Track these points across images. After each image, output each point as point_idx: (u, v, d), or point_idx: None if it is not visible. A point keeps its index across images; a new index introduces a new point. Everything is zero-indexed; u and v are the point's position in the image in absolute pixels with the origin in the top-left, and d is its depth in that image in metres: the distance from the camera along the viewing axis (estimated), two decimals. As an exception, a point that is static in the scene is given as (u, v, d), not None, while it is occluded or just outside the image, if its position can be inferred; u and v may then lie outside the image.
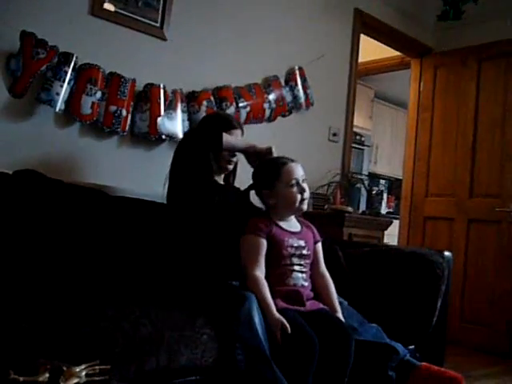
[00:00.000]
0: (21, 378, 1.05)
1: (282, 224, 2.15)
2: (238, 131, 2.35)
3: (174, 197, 2.24)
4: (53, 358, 1.26)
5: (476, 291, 4.07)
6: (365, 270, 2.63)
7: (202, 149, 2.28)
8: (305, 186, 2.14)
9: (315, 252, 2.22)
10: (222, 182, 2.38)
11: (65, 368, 1.11)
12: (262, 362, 1.75)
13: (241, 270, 2.05)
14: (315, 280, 2.16)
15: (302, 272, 2.10)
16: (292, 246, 2.10)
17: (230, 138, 2.24)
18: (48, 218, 2.10)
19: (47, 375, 1.08)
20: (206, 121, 2.43)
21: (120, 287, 2.08)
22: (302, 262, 2.11)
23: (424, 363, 2.09)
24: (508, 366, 3.53)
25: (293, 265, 2.08)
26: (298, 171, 2.15)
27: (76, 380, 1.09)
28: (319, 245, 2.25)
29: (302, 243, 2.14)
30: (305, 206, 2.16)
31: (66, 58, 2.48)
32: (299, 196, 2.12)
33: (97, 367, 1.18)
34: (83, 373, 1.13)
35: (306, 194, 2.14)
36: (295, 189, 2.11)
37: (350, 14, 3.95)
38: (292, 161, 2.18)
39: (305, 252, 2.13)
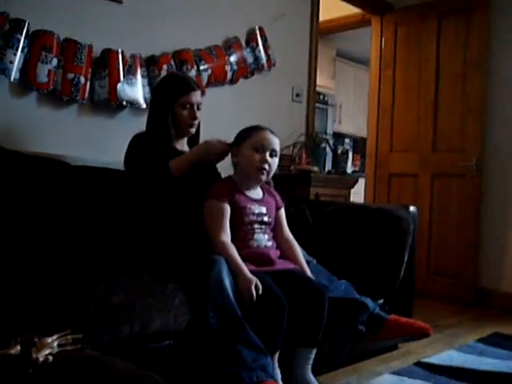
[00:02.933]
0: (-9, 352, 1.04)
1: (245, 190, 2.14)
2: (197, 92, 2.29)
3: (130, 164, 2.21)
4: (23, 330, 1.25)
5: (441, 244, 4.17)
6: (332, 227, 2.66)
7: (159, 116, 2.24)
8: (271, 159, 2.11)
9: (278, 218, 2.23)
10: (184, 147, 2.34)
11: (36, 339, 1.09)
12: (234, 323, 1.77)
13: (205, 235, 2.04)
14: (280, 245, 2.18)
15: (263, 233, 2.12)
16: (253, 213, 2.11)
17: (178, 164, 2.13)
18: (8, 190, 2.05)
19: (18, 348, 1.06)
20: (162, 85, 2.34)
21: (88, 257, 2.06)
22: (263, 227, 2.13)
23: (393, 315, 2.15)
24: (473, 314, 3.65)
25: (254, 229, 2.09)
26: (270, 142, 2.12)
27: (48, 351, 1.07)
28: (282, 211, 2.26)
29: (263, 210, 2.15)
30: (263, 177, 2.13)
31: (18, 24, 2.39)
32: (259, 163, 2.10)
33: (69, 337, 1.17)
34: (55, 343, 1.12)
35: (268, 167, 2.11)
36: (258, 155, 2.09)
37: (309, -29, 3.89)
38: (272, 132, 2.15)
39: (266, 219, 2.14)
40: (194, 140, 2.37)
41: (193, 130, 2.31)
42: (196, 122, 2.29)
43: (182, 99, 2.23)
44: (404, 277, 2.53)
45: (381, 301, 2.44)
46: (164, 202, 2.15)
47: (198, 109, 2.28)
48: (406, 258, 2.51)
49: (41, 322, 1.43)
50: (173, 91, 2.25)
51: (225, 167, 2.28)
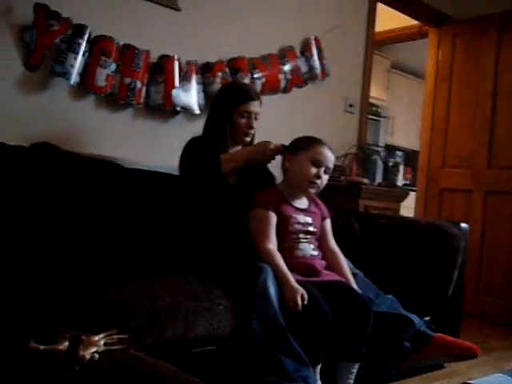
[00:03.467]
0: (41, 347, 1.07)
1: (290, 199, 2.14)
2: (256, 102, 2.30)
3: (185, 167, 2.24)
4: (72, 327, 1.29)
5: (492, 264, 4.04)
6: (381, 241, 2.63)
7: (217, 122, 2.27)
8: (324, 175, 2.11)
9: (323, 229, 2.21)
10: None
11: (84, 337, 1.13)
12: (278, 332, 1.77)
13: (251, 243, 2.05)
14: (325, 256, 2.16)
15: (309, 243, 2.11)
16: (299, 223, 2.10)
17: (228, 160, 2.17)
18: (65, 191, 2.11)
19: (67, 344, 1.09)
20: (223, 92, 2.38)
21: (137, 259, 2.10)
22: (308, 237, 2.12)
23: (439, 334, 2.10)
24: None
25: (299, 238, 2.09)
26: (327, 158, 2.12)
27: (95, 349, 1.10)
28: (327, 221, 2.25)
29: (308, 220, 2.14)
30: (312, 191, 2.13)
31: (80, 29, 2.47)
32: (312, 177, 2.09)
33: (115, 336, 1.20)
34: (102, 342, 1.15)
35: (319, 181, 2.11)
36: (313, 168, 2.09)
37: (366, -17, 3.87)
38: (330, 149, 2.15)
39: (311, 229, 2.13)
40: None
41: (248, 139, 2.32)
42: (252, 132, 2.31)
43: (240, 107, 2.25)
44: (452, 295, 2.47)
45: (427, 318, 2.39)
46: (215, 207, 2.17)
47: (256, 119, 2.29)
48: (455, 276, 2.45)
49: (89, 319, 1.46)
50: (232, 99, 2.28)
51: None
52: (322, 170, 2.10)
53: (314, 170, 2.09)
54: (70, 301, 1.53)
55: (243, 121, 2.26)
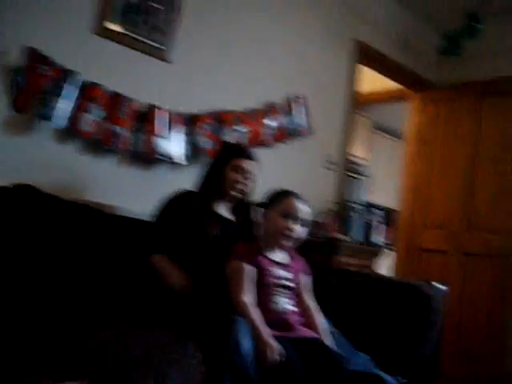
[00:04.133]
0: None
1: (269, 254, 2.15)
2: (252, 162, 2.33)
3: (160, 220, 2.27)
4: (41, 375, 1.25)
5: (471, 326, 4.04)
6: (358, 299, 2.63)
7: (211, 174, 2.31)
8: (298, 227, 2.13)
9: (302, 285, 2.21)
10: (225, 213, 2.35)
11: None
12: (250, 387, 1.73)
13: (228, 296, 2.04)
14: (303, 312, 2.15)
15: (286, 297, 2.10)
16: (274, 276, 2.10)
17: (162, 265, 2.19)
18: (44, 233, 2.09)
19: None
20: (224, 148, 2.49)
21: (112, 308, 2.07)
22: (286, 291, 2.11)
23: (414, 396, 2.08)
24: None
25: (275, 292, 2.08)
26: (300, 210, 2.14)
27: (63, 398, 1.07)
28: (307, 278, 2.25)
29: (286, 275, 2.14)
30: (286, 243, 2.14)
31: (70, 75, 2.50)
32: (284, 230, 2.11)
33: (85, 386, 1.17)
34: (71, 391, 1.12)
35: (294, 234, 2.13)
36: (285, 222, 2.11)
37: (349, 45, 3.99)
38: (302, 200, 2.17)
39: (289, 284, 2.13)
40: (241, 210, 2.37)
41: (234, 194, 2.32)
42: (239, 186, 2.30)
43: (234, 161, 2.29)
44: (429, 356, 2.46)
45: (404, 381, 2.36)
46: (192, 259, 2.16)
47: (249, 178, 2.32)
48: (430, 337, 2.44)
49: (60, 367, 1.43)
50: (228, 154, 2.33)
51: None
52: (295, 222, 2.12)
53: (284, 223, 2.11)
54: (42, 348, 1.50)
55: (234, 175, 2.28)
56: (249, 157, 2.34)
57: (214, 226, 2.24)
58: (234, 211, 2.38)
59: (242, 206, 2.37)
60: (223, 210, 2.34)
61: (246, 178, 2.30)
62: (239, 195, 2.33)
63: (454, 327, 4.02)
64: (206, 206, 2.26)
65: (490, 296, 3.98)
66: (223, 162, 2.31)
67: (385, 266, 4.66)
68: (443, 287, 2.68)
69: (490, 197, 4.13)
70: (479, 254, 4.12)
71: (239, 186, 2.30)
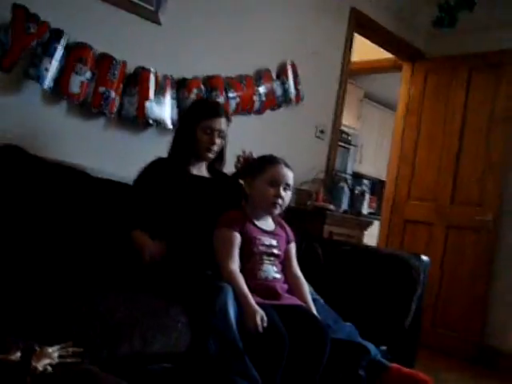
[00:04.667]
0: (-8, 356, 1.04)
1: (256, 221, 2.15)
2: (222, 119, 2.31)
3: (139, 182, 2.27)
4: (26, 336, 1.26)
5: (450, 297, 4.11)
6: (343, 268, 2.65)
7: (182, 137, 2.28)
8: (285, 193, 2.13)
9: (287, 252, 2.22)
10: (202, 173, 2.35)
11: (37, 348, 1.10)
12: (234, 353, 1.76)
13: (214, 261, 2.05)
14: (287, 280, 2.17)
15: (272, 265, 2.11)
16: (263, 245, 2.11)
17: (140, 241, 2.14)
18: (29, 195, 2.08)
19: (19, 354, 1.07)
20: (190, 108, 2.41)
21: (98, 271, 2.07)
22: (272, 259, 2.12)
23: (395, 364, 2.11)
24: (476, 372, 3.58)
25: (263, 260, 2.09)
26: (285, 176, 2.14)
27: (48, 361, 1.08)
28: (292, 245, 2.26)
29: (273, 242, 2.15)
30: (276, 211, 2.15)
31: (58, 34, 2.44)
32: (272, 198, 2.11)
33: (70, 349, 1.18)
34: (56, 354, 1.12)
35: (281, 201, 2.13)
36: (272, 190, 2.11)
37: (345, 13, 3.94)
38: (286, 165, 2.16)
39: (276, 251, 2.14)
40: (213, 165, 2.39)
41: (210, 155, 2.32)
42: (214, 148, 2.30)
43: (203, 123, 2.27)
44: (410, 326, 2.50)
45: (384, 348, 2.40)
46: (179, 222, 2.16)
47: (220, 136, 2.30)
48: (413, 307, 2.48)
49: (43, 329, 1.43)
50: (197, 114, 2.29)
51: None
52: (281, 188, 2.12)
53: (272, 191, 2.11)
54: (25, 309, 1.50)
55: (206, 136, 2.27)
56: (218, 114, 2.30)
57: (193, 188, 2.23)
58: (209, 169, 2.38)
59: (220, 163, 2.39)
60: (199, 170, 2.34)
61: (217, 137, 2.29)
62: (212, 155, 2.32)
63: (433, 298, 4.09)
64: (182, 170, 2.25)
65: (471, 269, 4.04)
66: (193, 123, 2.27)
67: (371, 236, 4.70)
68: (426, 258, 2.72)
69: (475, 170, 4.15)
70: (462, 227, 4.17)
71: (212, 147, 2.29)
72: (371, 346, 2.14)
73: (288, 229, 2.27)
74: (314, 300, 2.19)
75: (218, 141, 2.29)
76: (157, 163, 2.28)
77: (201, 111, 2.31)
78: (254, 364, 1.77)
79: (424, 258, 2.70)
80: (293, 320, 1.95)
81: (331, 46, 3.88)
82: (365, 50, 4.70)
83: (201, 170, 2.35)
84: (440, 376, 3.18)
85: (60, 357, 1.13)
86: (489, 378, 3.48)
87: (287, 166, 2.17)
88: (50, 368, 1.06)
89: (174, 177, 2.22)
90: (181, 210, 2.19)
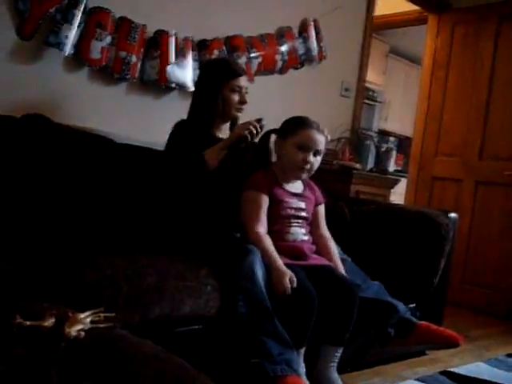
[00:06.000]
0: (27, 323, 1.06)
1: (284, 183, 2.13)
2: (246, 77, 2.29)
3: (170, 147, 2.23)
4: (58, 303, 1.28)
5: (479, 253, 4.07)
6: (370, 227, 2.63)
7: (208, 98, 2.25)
8: (314, 159, 2.09)
9: (316, 214, 2.21)
10: (226, 134, 2.32)
11: (70, 314, 1.12)
12: (263, 314, 1.77)
13: (241, 223, 2.05)
14: (316, 241, 2.16)
15: (300, 227, 2.10)
16: (291, 207, 2.10)
17: (211, 157, 2.10)
18: (54, 163, 2.09)
19: (53, 320, 1.09)
20: (212, 68, 2.34)
21: (125, 236, 2.10)
22: (300, 221, 2.11)
23: (423, 322, 2.11)
24: (506, 328, 3.57)
25: (291, 222, 2.08)
26: (316, 142, 2.08)
27: (81, 326, 1.10)
28: (321, 207, 2.24)
29: (302, 205, 2.13)
30: (303, 176, 2.12)
31: (76, 0, 2.42)
32: (301, 163, 2.07)
33: (102, 314, 1.20)
34: (88, 319, 1.14)
35: (309, 166, 2.09)
36: (301, 155, 2.07)
37: (369, -35, 3.82)
38: (319, 130, 2.10)
39: (304, 214, 2.13)
40: (234, 125, 2.35)
41: (239, 114, 2.30)
42: (244, 107, 2.28)
43: (232, 82, 2.23)
44: (438, 283, 2.49)
45: (412, 305, 2.41)
46: (203, 188, 2.16)
47: (246, 94, 2.28)
48: (442, 265, 2.47)
49: (75, 296, 1.46)
50: (223, 74, 2.24)
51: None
52: (311, 153, 2.08)
53: (301, 156, 2.07)
54: (58, 276, 1.53)
55: (235, 96, 2.24)
56: (242, 72, 2.28)
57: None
58: (231, 130, 2.34)
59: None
60: (224, 133, 2.31)
61: (244, 96, 2.26)
62: (241, 114, 2.30)
63: (462, 255, 4.05)
64: (207, 133, 2.23)
65: (501, 225, 3.98)
66: (218, 83, 2.22)
67: (398, 194, 4.66)
68: (455, 215, 2.68)
69: (504, 124, 4.05)
70: (491, 183, 4.09)
71: (242, 106, 2.27)
72: (400, 304, 2.14)
73: (317, 190, 2.25)
74: (342, 260, 2.19)
75: (244, 99, 2.26)
76: (182, 126, 2.25)
77: (226, 71, 2.26)
78: (283, 325, 1.79)
79: (452, 214, 2.67)
80: (321, 280, 1.96)
81: (354, 1, 3.77)
82: (389, 2, 4.56)
83: (225, 132, 2.33)
84: (468, 332, 3.18)
85: (92, 322, 1.15)
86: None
87: (319, 130, 2.11)
88: (82, 333, 1.08)
89: (200, 140, 2.19)
90: (210, 174, 2.17)
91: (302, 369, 1.86)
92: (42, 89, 2.42)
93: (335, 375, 1.99)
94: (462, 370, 2.51)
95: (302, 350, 1.87)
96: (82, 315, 1.14)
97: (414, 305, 2.43)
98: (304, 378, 1.85)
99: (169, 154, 2.20)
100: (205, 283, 1.79)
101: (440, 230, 2.47)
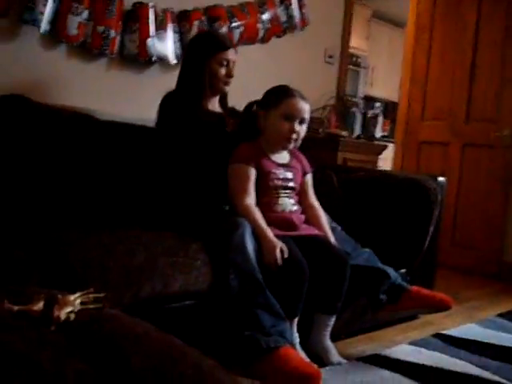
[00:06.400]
0: (15, 308, 1.05)
1: (271, 154, 2.11)
2: (233, 50, 2.26)
3: (163, 126, 2.20)
4: (46, 286, 1.27)
5: (467, 215, 4.10)
6: (359, 194, 2.63)
7: (195, 71, 2.21)
8: (299, 127, 2.06)
9: (304, 183, 2.19)
10: (215, 108, 2.30)
11: (59, 296, 1.11)
12: (255, 286, 1.77)
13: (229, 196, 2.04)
14: (305, 211, 2.15)
15: (289, 197, 2.09)
16: (279, 178, 2.08)
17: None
18: (36, 143, 2.06)
19: (42, 304, 1.07)
20: (199, 41, 2.30)
21: (112, 214, 2.08)
22: (288, 191, 2.10)
23: (414, 287, 2.13)
24: (496, 288, 3.61)
25: (279, 193, 2.07)
26: (301, 110, 2.05)
27: (70, 308, 1.08)
28: (308, 176, 2.22)
29: (289, 175, 2.11)
30: (290, 146, 2.09)
31: (50, -26, 2.36)
32: (287, 133, 2.05)
33: (91, 295, 1.18)
34: (77, 301, 1.13)
35: (296, 136, 2.06)
36: (287, 125, 2.04)
37: None
38: (302, 98, 2.07)
39: (291, 184, 2.11)
40: (224, 100, 2.34)
41: (227, 88, 2.28)
42: (231, 80, 2.26)
43: (219, 56, 2.20)
44: (428, 248, 2.50)
45: (403, 270, 2.42)
46: (192, 161, 2.13)
47: (233, 68, 2.25)
48: (431, 230, 2.48)
49: (64, 277, 1.45)
50: (210, 47, 2.21)
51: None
52: (297, 122, 2.06)
53: (287, 126, 2.04)
54: (45, 258, 1.51)
55: (222, 69, 2.21)
56: (230, 45, 2.26)
57: (211, 124, 2.19)
58: (221, 103, 2.34)
59: (225, 97, 2.35)
60: (214, 106, 2.29)
61: (232, 69, 2.24)
62: (228, 88, 2.29)
63: (451, 218, 4.08)
64: (198, 105, 2.20)
65: (488, 187, 4.00)
66: (205, 56, 2.20)
67: (386, 159, 4.66)
68: (443, 179, 2.69)
69: (490, 85, 4.04)
70: (479, 145, 4.10)
71: (229, 80, 2.25)
72: (390, 270, 2.15)
73: (304, 160, 2.23)
74: (332, 228, 2.18)
75: (232, 72, 2.24)
76: (172, 98, 2.22)
77: (213, 44, 2.23)
78: (275, 296, 1.79)
79: (440, 178, 2.67)
80: (311, 249, 1.96)
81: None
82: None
83: (214, 105, 2.31)
84: (459, 294, 3.22)
85: (82, 303, 1.13)
86: (508, 293, 3.51)
87: (303, 98, 2.08)
88: (72, 315, 1.07)
89: (190, 113, 2.16)
90: (201, 146, 2.15)
91: (296, 339, 1.88)
92: (19, 67, 2.37)
93: (329, 343, 2.01)
94: (454, 331, 2.54)
95: (295, 320, 1.88)
96: (72, 297, 1.13)
97: (405, 270, 2.45)
98: (298, 347, 1.87)
99: (167, 127, 2.18)
100: (195, 258, 1.79)
101: (428, 195, 2.47)
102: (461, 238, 4.14)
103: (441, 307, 2.09)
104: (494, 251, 3.95)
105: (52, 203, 2.00)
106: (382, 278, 2.12)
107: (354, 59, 6.42)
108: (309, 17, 3.45)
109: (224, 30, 2.95)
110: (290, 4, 3.35)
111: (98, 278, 1.50)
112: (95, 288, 1.24)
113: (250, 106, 2.20)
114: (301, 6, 3.40)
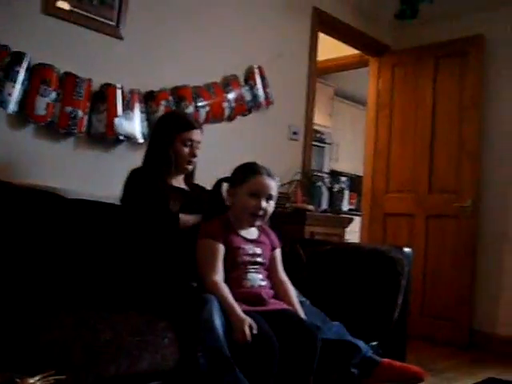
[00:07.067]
0: (-29, 393, 1.01)
1: (239, 230, 2.12)
2: (198, 131, 2.32)
3: (128, 201, 2.21)
4: (6, 369, 1.22)
5: (436, 285, 4.13)
6: (326, 268, 2.64)
7: (160, 150, 2.26)
8: (267, 204, 2.08)
9: (272, 259, 2.20)
10: (181, 185, 2.34)
11: (18, 380, 1.07)
12: (224, 364, 1.73)
13: (197, 273, 2.03)
14: (274, 286, 2.14)
15: (257, 273, 2.09)
16: (247, 254, 2.08)
17: (186, 219, 2.16)
18: (4, 222, 2.03)
19: (-1, 388, 1.04)
20: (165, 120, 2.38)
21: (77, 293, 2.03)
22: (257, 267, 2.10)
23: (386, 359, 2.11)
24: (469, 358, 3.60)
25: (247, 269, 2.07)
26: (267, 187, 2.07)
27: (30, 392, 1.05)
28: (277, 251, 2.23)
29: (257, 251, 2.12)
30: (257, 222, 2.11)
31: (18, 57, 2.41)
32: (253, 209, 2.07)
33: (51, 378, 1.15)
34: (38, 384, 1.09)
35: (262, 212, 2.08)
36: (253, 201, 2.06)
37: (308, 13, 3.96)
38: (269, 175, 2.10)
39: (260, 260, 2.11)
40: (189, 178, 2.38)
41: (190, 168, 2.33)
42: (194, 160, 2.31)
43: (183, 136, 2.25)
44: (397, 319, 2.50)
45: (374, 343, 2.40)
46: (159, 239, 2.13)
47: (197, 148, 2.30)
48: (400, 301, 2.48)
49: (24, 359, 1.40)
50: (174, 127, 2.27)
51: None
52: (264, 199, 2.08)
53: (253, 202, 2.06)
54: (4, 339, 1.46)
55: (186, 149, 2.26)
56: (195, 126, 2.31)
57: (178, 200, 2.20)
58: (186, 181, 2.37)
59: (191, 175, 2.40)
60: (178, 183, 2.33)
61: (196, 149, 2.29)
62: (191, 167, 2.34)
63: (420, 288, 4.10)
64: (163, 182, 2.23)
65: (455, 257, 4.07)
66: (170, 136, 2.26)
67: (353, 232, 4.71)
68: (409, 250, 2.72)
69: (450, 157, 4.19)
70: (442, 215, 4.19)
71: (193, 160, 2.30)
72: (361, 343, 2.13)
73: (273, 235, 2.25)
74: (301, 302, 2.17)
75: (196, 152, 2.28)
76: (138, 174, 2.24)
77: (178, 124, 2.29)
78: (245, 374, 1.75)
79: (406, 249, 2.70)
80: (281, 325, 1.93)
81: (296, 47, 3.89)
82: (331, 47, 4.72)
83: (179, 182, 2.34)
84: (433, 365, 3.20)
85: (42, 387, 1.10)
86: (481, 362, 3.50)
87: (270, 175, 2.11)
88: (32, 399, 1.04)
89: (156, 188, 2.18)
90: (165, 222, 2.16)
91: (267, 417, 1.82)
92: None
93: (301, 421, 1.95)
94: (428, 404, 2.50)
95: (266, 398, 1.82)
96: (31, 380, 1.09)
97: (376, 343, 2.43)
98: (269, 426, 1.81)
99: (132, 202, 2.18)
100: (162, 336, 1.74)
101: (395, 266, 2.49)
102: (430, 308, 4.15)
103: (415, 380, 2.07)
104: (465, 320, 3.96)
105: (16, 282, 1.95)
106: (353, 351, 2.09)
107: (319, 135, 6.60)
108: (273, 96, 3.57)
109: (190, 109, 3.03)
110: (255, 84, 3.47)
111: (60, 358, 1.45)
112: (57, 370, 1.21)
113: (218, 182, 2.23)
114: (265, 86, 3.53)
